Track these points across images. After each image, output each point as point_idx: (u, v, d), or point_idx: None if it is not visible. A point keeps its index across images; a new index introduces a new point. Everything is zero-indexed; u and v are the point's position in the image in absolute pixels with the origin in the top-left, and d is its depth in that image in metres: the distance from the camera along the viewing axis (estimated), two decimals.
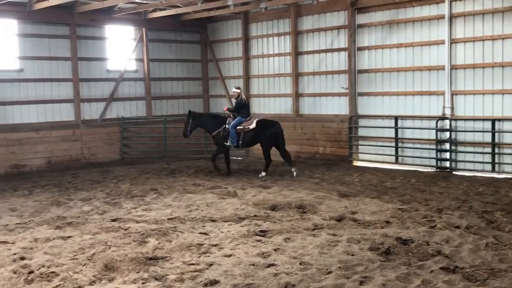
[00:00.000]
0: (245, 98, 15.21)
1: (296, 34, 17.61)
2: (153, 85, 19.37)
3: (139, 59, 19.07)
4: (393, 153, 15.55)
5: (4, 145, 15.83)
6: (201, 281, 6.59)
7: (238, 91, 15.01)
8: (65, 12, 16.75)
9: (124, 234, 8.79)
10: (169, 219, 9.80)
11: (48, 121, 16.88)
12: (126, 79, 18.75)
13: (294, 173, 14.44)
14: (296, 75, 17.75)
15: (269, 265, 7.10)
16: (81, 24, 17.38)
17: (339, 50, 16.61)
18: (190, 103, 20.24)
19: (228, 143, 14.84)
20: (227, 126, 14.89)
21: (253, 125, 14.77)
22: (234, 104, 15.33)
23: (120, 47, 18.66)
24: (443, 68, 14.41)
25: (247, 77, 19.27)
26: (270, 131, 14.78)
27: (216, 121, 15.27)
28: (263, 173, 14.73)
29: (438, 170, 14.57)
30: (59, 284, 6.56)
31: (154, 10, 18.15)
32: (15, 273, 6.97)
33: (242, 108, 14.85)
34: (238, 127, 14.73)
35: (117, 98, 18.52)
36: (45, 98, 16.79)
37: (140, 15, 18.48)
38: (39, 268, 7.12)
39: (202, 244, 8.12)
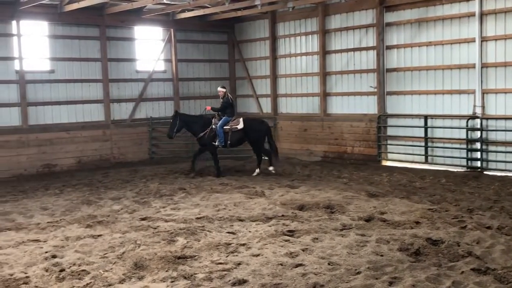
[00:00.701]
0: (231, 97, 15.26)
1: (324, 33, 17.53)
2: (181, 85, 19.51)
3: (168, 59, 19.22)
4: (423, 152, 15.36)
5: (35, 145, 16.13)
6: (229, 280, 6.62)
7: (224, 90, 15.03)
8: (95, 13, 16.99)
9: (153, 233, 8.88)
10: (197, 218, 9.86)
11: (78, 121, 17.15)
12: (154, 79, 18.93)
13: (273, 171, 14.88)
14: (324, 74, 17.67)
15: (297, 265, 7.09)
16: (111, 25, 17.60)
17: (367, 48, 16.48)
18: (217, 103, 20.23)
19: (216, 143, 14.83)
20: (213, 126, 14.83)
21: (240, 125, 14.83)
22: (221, 104, 15.08)
23: (149, 48, 18.84)
24: (473, 66, 14.18)
25: (274, 76, 19.26)
26: (259, 130, 15.02)
27: (202, 122, 15.11)
28: (257, 171, 14.86)
29: (468, 170, 14.34)
30: (90, 282, 6.65)
31: (182, 11, 18.28)
32: (46, 271, 7.10)
33: (228, 107, 14.89)
34: (225, 127, 14.76)
35: (146, 99, 18.70)
36: (75, 99, 17.05)
37: (168, 16, 18.64)
38: (70, 266, 7.23)
39: (230, 244, 8.15)
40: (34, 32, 16.36)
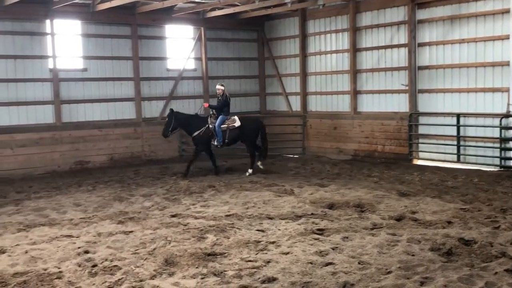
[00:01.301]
0: (229, 95, 15.01)
1: (355, 31, 17.40)
2: (211, 83, 19.58)
3: (198, 58, 19.33)
4: (455, 151, 15.13)
5: (69, 142, 16.42)
6: (259, 278, 6.63)
7: (222, 88, 14.76)
8: (127, 12, 17.20)
9: (184, 229, 8.95)
10: (227, 215, 9.91)
11: (110, 119, 17.39)
12: (185, 77, 19.06)
13: (260, 166, 14.93)
14: (354, 72, 17.54)
15: (327, 264, 7.06)
16: (142, 24, 17.79)
17: (399, 46, 16.31)
18: (247, 101, 20.39)
19: (215, 143, 14.67)
20: (210, 125, 14.63)
21: (238, 123, 14.73)
22: (218, 102, 14.80)
23: (179, 47, 18.98)
24: (507, 64, 13.88)
25: (304, 74, 19.21)
26: (254, 128, 15.02)
27: (198, 122, 14.88)
28: (250, 171, 14.68)
29: (502, 169, 14.07)
30: (122, 278, 6.74)
31: (213, 9, 18.36)
32: (79, 266, 7.22)
33: (226, 106, 14.71)
34: (222, 126, 14.62)
35: (176, 97, 18.85)
36: (107, 97, 17.29)
37: (198, 14, 18.74)
38: (102, 262, 7.34)
39: (260, 241, 8.16)
40: (67, 31, 16.64)
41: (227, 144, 14.92)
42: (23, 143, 15.64)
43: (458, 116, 14.89)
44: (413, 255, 7.30)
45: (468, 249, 7.43)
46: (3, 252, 7.98)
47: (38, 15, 15.82)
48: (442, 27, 15.28)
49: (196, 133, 14.81)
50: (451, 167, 14.88)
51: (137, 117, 17.84)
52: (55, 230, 9.26)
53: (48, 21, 16.03)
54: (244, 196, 11.78)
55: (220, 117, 14.63)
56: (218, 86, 14.88)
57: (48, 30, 16.10)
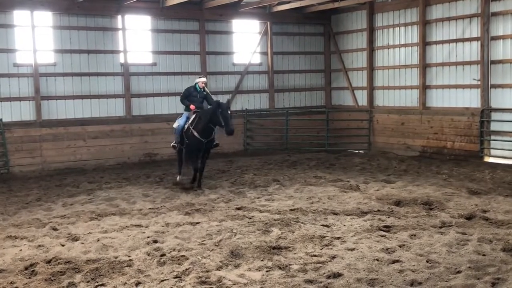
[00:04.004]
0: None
1: (424, 24, 16.94)
2: (276, 77, 19.62)
3: (263, 52, 19.38)
4: None
5: (138, 135, 16.88)
6: (324, 273, 6.61)
7: (205, 80, 13.05)
8: (195, 8, 17.47)
9: (249, 222, 9.04)
10: (291, 210, 9.92)
11: (178, 112, 17.58)
12: (250, 72, 19.17)
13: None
14: (424, 66, 17.09)
15: (394, 261, 6.95)
16: (210, 19, 18.01)
17: (470, 39, 15.75)
18: (312, 95, 20.28)
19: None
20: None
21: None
22: (200, 97, 12.82)
23: (245, 41, 19.09)
24: None
25: (371, 68, 18.89)
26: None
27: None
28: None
29: None
30: (189, 268, 6.89)
31: (279, 4, 18.34)
32: (148, 255, 7.43)
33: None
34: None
35: (242, 91, 18.99)
36: (176, 91, 17.61)
37: (265, 9, 18.77)
38: (170, 252, 7.52)
39: (325, 237, 8.13)
40: (138, 26, 17.09)
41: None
42: (95, 135, 16.23)
43: None
44: (484, 255, 7.07)
45: None
46: (76, 240, 8.32)
47: (110, 11, 16.33)
48: None
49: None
50: None
51: None
52: (125, 219, 9.56)
53: (119, 17, 16.52)
54: (309, 191, 11.75)
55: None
56: (202, 79, 12.84)
57: (119, 25, 16.58)
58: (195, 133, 12.28)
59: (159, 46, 17.33)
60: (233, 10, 18.15)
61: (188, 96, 12.76)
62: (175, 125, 13.00)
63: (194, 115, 12.53)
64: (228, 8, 17.93)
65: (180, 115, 13.18)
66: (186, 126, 12.52)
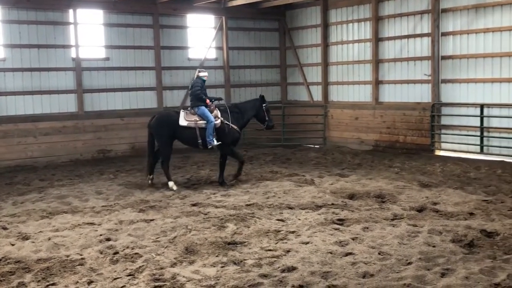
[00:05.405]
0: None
1: (377, 20, 17.21)
2: (232, 73, 19.58)
3: (219, 47, 19.32)
4: (478, 142, 14.91)
5: (91, 131, 16.58)
6: (279, 267, 6.65)
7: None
8: (148, 2, 17.25)
9: (204, 218, 9.01)
10: (247, 205, 9.93)
11: (132, 108, 17.50)
12: (206, 67, 19.05)
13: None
14: (377, 61, 17.37)
15: (347, 254, 7.05)
16: (164, 13, 17.82)
17: (421, 35, 16.09)
18: (268, 90, 20.31)
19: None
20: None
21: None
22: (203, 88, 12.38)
23: (200, 36, 18.98)
24: None
25: (325, 64, 19.07)
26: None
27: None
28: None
29: None
30: (143, 265, 6.81)
31: None
32: (101, 253, 7.32)
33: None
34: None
35: None
36: (129, 86, 17.40)
37: (220, 3, 18.70)
38: (124, 249, 7.43)
39: (280, 231, 8.18)
40: (90, 21, 16.75)
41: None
42: (47, 132, 15.84)
43: (481, 106, 14.66)
44: (434, 247, 7.25)
45: (490, 241, 7.36)
46: (27, 239, 8.12)
47: (61, 5, 15.96)
48: (466, 16, 15.03)
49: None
50: (474, 158, 14.69)
51: (159, 106, 17.91)
52: (78, 217, 9.38)
53: (71, 11, 16.15)
54: (265, 186, 11.79)
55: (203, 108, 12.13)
56: (206, 73, 12.54)
57: (71, 19, 16.22)
58: (235, 127, 12.29)
59: (112, 40, 17.04)
60: (187, 5, 18.00)
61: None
62: (202, 122, 11.96)
63: (216, 110, 12.19)
64: (182, 3, 17.79)
65: (185, 112, 12.19)
66: (217, 122, 12.00)
